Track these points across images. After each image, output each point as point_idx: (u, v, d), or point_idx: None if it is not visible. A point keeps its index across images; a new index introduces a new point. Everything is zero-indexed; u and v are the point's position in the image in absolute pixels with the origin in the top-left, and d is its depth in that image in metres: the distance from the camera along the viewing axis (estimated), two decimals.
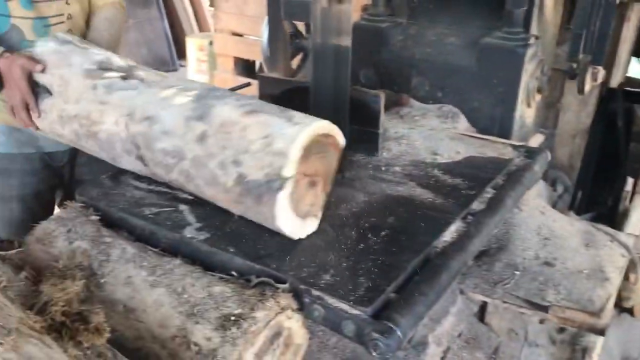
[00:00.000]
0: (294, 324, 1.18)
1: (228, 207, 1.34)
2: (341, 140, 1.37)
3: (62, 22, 1.93)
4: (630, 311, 2.47)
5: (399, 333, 1.08)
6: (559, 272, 1.70)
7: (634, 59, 2.88)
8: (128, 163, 1.53)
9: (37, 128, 1.71)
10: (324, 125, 1.31)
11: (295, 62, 2.22)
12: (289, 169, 1.22)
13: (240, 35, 4.34)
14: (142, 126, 1.42)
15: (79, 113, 1.56)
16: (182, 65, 7.19)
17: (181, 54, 7.10)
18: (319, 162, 1.33)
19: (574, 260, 1.71)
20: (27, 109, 1.67)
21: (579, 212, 2.49)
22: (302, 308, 1.19)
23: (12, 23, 1.81)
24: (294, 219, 1.29)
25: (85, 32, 2.01)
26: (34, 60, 1.65)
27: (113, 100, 1.50)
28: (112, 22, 2.06)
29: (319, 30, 1.56)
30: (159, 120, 1.40)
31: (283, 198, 1.23)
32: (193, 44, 6.12)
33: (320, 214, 1.38)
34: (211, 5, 4.55)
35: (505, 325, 1.79)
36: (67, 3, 1.94)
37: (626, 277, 1.93)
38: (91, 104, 1.53)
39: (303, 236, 1.33)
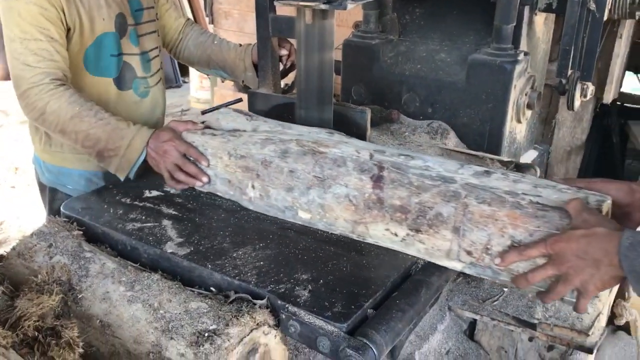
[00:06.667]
0: (270, 340, 1.17)
1: (513, 222, 1.18)
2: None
3: (157, 56, 2.00)
4: (626, 329, 2.43)
5: (373, 350, 1.07)
6: None
7: (629, 74, 2.87)
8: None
9: (207, 180, 1.57)
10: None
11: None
12: None
13: None
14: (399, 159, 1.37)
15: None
16: (185, 82, 7.26)
17: (184, 70, 7.17)
18: None
19: None
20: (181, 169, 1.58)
21: None
22: (279, 324, 1.18)
23: (124, 60, 1.85)
24: None
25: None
26: (198, 151, 1.57)
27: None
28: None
29: (303, 45, 1.57)
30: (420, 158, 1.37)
31: None
32: None
33: None
34: (211, 22, 4.59)
35: (494, 343, 1.77)
36: (158, 35, 2.00)
37: (620, 294, 1.91)
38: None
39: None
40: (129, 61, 1.86)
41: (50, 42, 1.62)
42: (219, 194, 1.57)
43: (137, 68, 1.89)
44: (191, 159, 1.57)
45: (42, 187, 2.03)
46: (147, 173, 1.68)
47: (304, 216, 1.43)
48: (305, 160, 1.41)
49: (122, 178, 1.65)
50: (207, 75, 2.36)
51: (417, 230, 1.28)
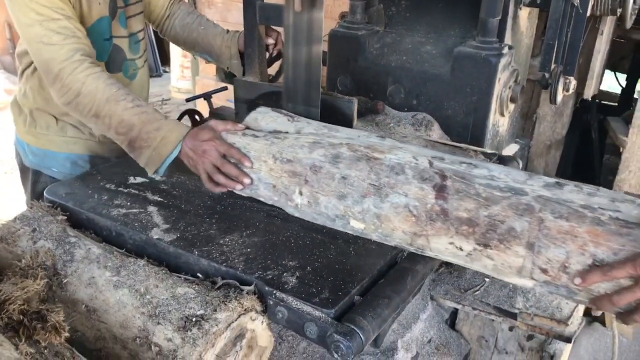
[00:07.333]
0: (257, 326, 1.17)
1: (594, 239, 1.09)
2: None
3: (143, 38, 1.96)
4: (601, 320, 2.49)
5: (360, 335, 1.08)
6: None
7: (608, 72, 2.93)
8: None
9: (249, 182, 1.45)
10: None
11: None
12: None
13: None
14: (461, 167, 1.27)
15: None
16: (165, 72, 7.19)
17: (165, 60, 7.10)
18: None
19: None
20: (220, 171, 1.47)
21: None
22: (266, 310, 1.19)
23: (114, 43, 1.82)
24: None
25: None
26: (240, 152, 1.45)
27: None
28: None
29: (291, 35, 1.57)
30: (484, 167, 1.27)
31: None
32: (177, 50, 6.12)
33: None
34: None
35: (475, 333, 1.80)
36: (144, 16, 1.97)
37: None
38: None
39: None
40: (119, 44, 1.84)
41: (69, 19, 1.58)
42: (261, 199, 1.46)
43: (126, 50, 1.87)
44: (232, 160, 1.46)
45: (24, 170, 2.00)
46: (131, 159, 1.67)
47: (356, 226, 1.33)
48: (359, 167, 1.32)
49: (150, 172, 1.54)
50: (194, 56, 2.32)
51: (486, 245, 1.18)
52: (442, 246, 1.24)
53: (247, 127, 1.55)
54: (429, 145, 1.88)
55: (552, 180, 1.19)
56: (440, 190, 1.22)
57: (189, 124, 2.14)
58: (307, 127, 1.51)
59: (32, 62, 1.78)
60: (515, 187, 1.18)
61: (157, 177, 1.61)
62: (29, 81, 1.82)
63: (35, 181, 1.96)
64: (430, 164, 1.28)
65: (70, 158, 1.90)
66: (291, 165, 1.39)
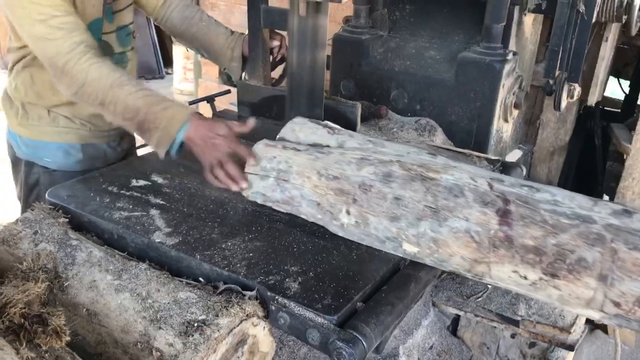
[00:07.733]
0: (259, 332, 1.17)
1: None
2: None
3: (134, 30, 1.96)
4: (604, 328, 2.48)
5: (363, 342, 1.07)
6: None
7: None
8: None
9: (245, 186, 1.47)
10: None
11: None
12: None
13: None
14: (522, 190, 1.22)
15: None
16: (168, 73, 7.19)
17: (167, 61, 7.10)
18: None
19: None
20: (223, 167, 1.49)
21: None
22: (268, 315, 1.18)
23: (103, 40, 1.81)
24: None
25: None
26: (247, 150, 1.47)
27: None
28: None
29: (296, 40, 1.57)
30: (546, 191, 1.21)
31: None
32: (180, 52, 6.11)
33: None
34: None
35: (477, 339, 1.79)
36: (131, 10, 1.96)
37: None
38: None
39: None
40: (107, 39, 1.84)
41: (69, 15, 1.59)
42: (303, 216, 1.42)
43: (115, 45, 1.87)
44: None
45: (16, 162, 1.99)
46: (132, 161, 1.67)
47: (409, 249, 1.28)
48: (414, 187, 1.26)
49: (161, 154, 1.54)
50: (186, 48, 2.29)
51: (554, 275, 1.12)
52: (504, 274, 1.18)
53: (284, 139, 1.53)
54: (433, 151, 1.88)
55: (619, 207, 1.14)
56: (504, 216, 1.17)
57: None
58: (350, 140, 1.45)
59: (22, 58, 1.79)
60: (583, 215, 1.13)
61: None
62: (20, 76, 1.83)
63: (28, 172, 1.96)
64: (490, 186, 1.22)
65: (63, 147, 1.90)
66: (338, 182, 1.34)
